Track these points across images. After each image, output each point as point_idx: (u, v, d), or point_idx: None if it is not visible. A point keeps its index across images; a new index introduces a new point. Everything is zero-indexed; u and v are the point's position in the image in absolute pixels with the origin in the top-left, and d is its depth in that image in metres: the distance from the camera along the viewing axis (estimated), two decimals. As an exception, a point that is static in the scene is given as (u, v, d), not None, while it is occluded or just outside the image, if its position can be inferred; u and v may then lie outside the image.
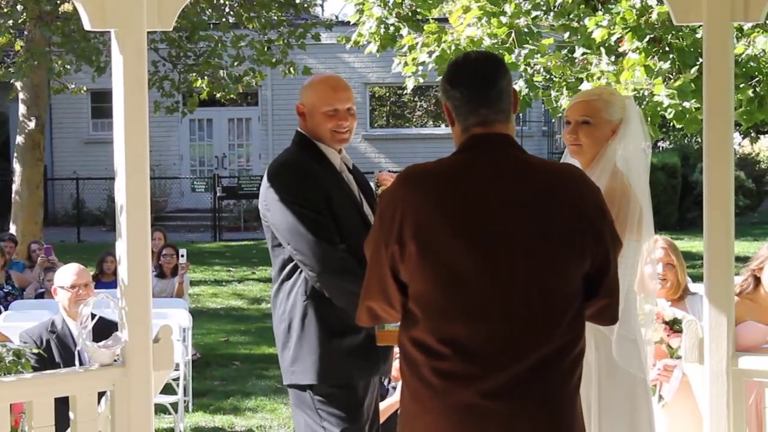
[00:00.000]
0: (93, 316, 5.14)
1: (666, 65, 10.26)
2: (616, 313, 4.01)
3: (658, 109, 10.11)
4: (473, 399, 3.71)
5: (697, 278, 7.02)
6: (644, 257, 5.16)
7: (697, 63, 10.21)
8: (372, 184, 5.50)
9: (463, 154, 3.88)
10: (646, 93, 10.11)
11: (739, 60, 10.25)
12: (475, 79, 3.87)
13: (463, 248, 3.72)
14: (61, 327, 7.69)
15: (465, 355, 3.73)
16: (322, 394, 5.16)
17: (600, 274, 3.88)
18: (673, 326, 5.95)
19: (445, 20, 12.31)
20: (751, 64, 10.54)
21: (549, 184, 3.84)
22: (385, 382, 7.02)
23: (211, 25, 20.75)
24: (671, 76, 10.37)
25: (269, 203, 5.21)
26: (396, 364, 6.65)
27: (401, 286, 3.83)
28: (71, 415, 4.97)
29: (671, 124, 10.95)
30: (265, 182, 5.29)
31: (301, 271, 5.14)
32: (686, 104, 10.12)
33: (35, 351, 5.67)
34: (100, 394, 5.17)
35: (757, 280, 6.88)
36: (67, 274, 7.83)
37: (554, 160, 3.95)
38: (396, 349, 6.63)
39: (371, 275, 3.90)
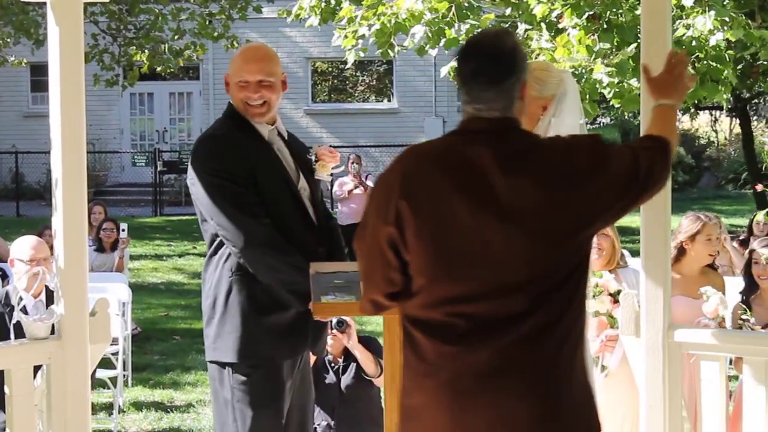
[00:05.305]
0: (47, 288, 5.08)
1: (606, 45, 10.29)
2: None
3: (597, 86, 10.15)
4: (467, 375, 3.64)
5: (635, 253, 7.07)
6: None
7: (637, 40, 10.27)
8: (312, 158, 5.30)
9: (457, 136, 3.79)
10: (584, 71, 10.14)
11: (681, 40, 10.31)
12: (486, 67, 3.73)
13: (472, 225, 3.63)
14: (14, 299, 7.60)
15: (465, 331, 3.64)
16: (240, 374, 5.00)
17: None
18: (617, 298, 5.98)
19: (386, -7, 12.22)
20: (693, 43, 10.60)
21: (545, 159, 3.74)
22: None
23: (152, -2, 20.59)
24: (611, 53, 10.42)
25: (193, 177, 5.10)
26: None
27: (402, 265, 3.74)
28: (6, 389, 4.93)
29: (610, 101, 10.98)
30: (191, 156, 5.24)
31: (227, 246, 5.00)
32: (626, 82, 10.18)
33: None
34: (37, 368, 5.13)
35: (681, 252, 6.94)
36: (25, 248, 7.70)
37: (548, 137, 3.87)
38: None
39: (373, 265, 3.79)
